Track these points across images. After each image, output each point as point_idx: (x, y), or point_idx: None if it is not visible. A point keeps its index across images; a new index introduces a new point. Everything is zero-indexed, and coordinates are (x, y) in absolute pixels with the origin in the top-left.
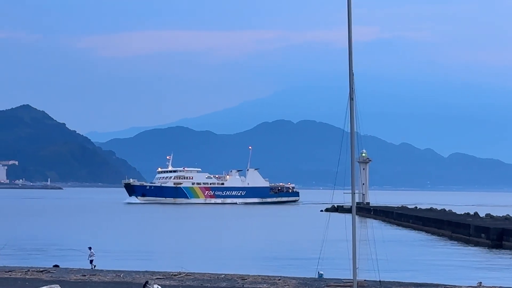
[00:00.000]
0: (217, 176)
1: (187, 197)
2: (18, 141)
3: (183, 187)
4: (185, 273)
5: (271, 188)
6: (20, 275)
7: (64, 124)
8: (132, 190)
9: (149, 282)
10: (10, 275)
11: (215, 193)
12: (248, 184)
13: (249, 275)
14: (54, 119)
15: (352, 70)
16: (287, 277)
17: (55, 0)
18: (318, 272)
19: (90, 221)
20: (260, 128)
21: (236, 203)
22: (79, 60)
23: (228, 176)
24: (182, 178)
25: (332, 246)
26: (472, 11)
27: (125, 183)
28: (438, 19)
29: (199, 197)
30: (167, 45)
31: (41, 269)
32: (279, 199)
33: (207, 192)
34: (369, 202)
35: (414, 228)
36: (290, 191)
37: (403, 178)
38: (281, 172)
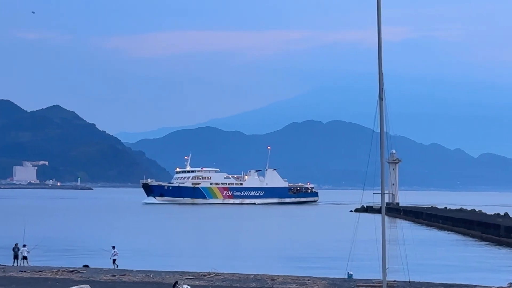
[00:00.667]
0: (235, 176)
1: (205, 197)
2: (48, 141)
3: (201, 187)
4: (214, 273)
5: (289, 189)
6: (51, 275)
7: (94, 124)
8: (150, 190)
9: (178, 282)
10: (41, 275)
11: (234, 193)
12: (266, 184)
13: (278, 275)
14: (84, 119)
15: (381, 70)
16: (316, 277)
17: (85, 1)
18: (348, 273)
19: (117, 221)
20: (290, 129)
21: (254, 204)
22: (109, 61)
23: (246, 176)
24: (200, 178)
25: (361, 247)
26: (502, 10)
27: (143, 183)
28: (467, 19)
29: (217, 197)
30: (197, 45)
31: (71, 269)
32: (297, 199)
33: (225, 192)
34: (398, 203)
35: (444, 229)
36: (309, 191)
37: (432, 179)
38: (310, 172)
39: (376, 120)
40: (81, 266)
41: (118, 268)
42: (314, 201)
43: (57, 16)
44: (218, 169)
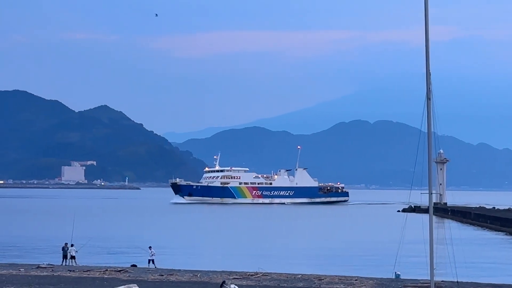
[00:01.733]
0: (265, 175)
1: (234, 197)
2: (96, 141)
3: (230, 186)
4: (262, 273)
5: (320, 188)
6: (98, 274)
7: (141, 124)
8: (178, 189)
9: (226, 282)
10: (89, 274)
11: (263, 193)
12: (296, 184)
13: (325, 275)
14: (132, 119)
15: (429, 70)
16: (363, 277)
17: (132, 1)
18: (395, 273)
19: (160, 220)
20: (337, 128)
21: (284, 203)
22: (156, 61)
23: (276, 176)
24: (229, 178)
25: (409, 247)
26: None
27: (171, 183)
28: None
29: (246, 197)
30: (244, 45)
31: (119, 269)
32: (328, 199)
33: (254, 192)
34: (446, 203)
35: (492, 229)
36: (340, 191)
37: (480, 178)
38: (357, 172)
39: (424, 120)
40: (129, 266)
41: (156, 267)
42: (345, 201)
43: (104, 17)
44: (247, 169)
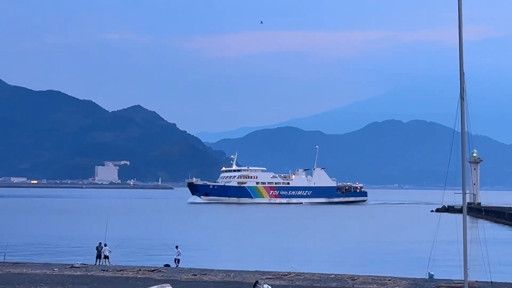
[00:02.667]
0: (282, 175)
1: (251, 197)
2: (129, 141)
3: (247, 186)
4: (295, 273)
5: (338, 188)
6: (132, 274)
7: (174, 124)
8: (195, 189)
9: (259, 282)
10: (122, 274)
11: (280, 192)
12: (314, 183)
13: (358, 275)
14: (165, 119)
15: (462, 70)
16: (397, 277)
17: (165, 2)
18: (429, 273)
19: (191, 220)
20: (370, 128)
21: (301, 203)
22: (189, 61)
23: (293, 176)
24: (246, 178)
25: (443, 247)
26: None
27: (188, 183)
28: None
29: (263, 197)
30: (277, 45)
31: (153, 268)
32: (346, 199)
33: (271, 191)
34: (480, 203)
35: None
36: (358, 190)
37: None
38: (390, 172)
39: (457, 119)
40: (162, 265)
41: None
42: (363, 200)
43: (138, 17)
44: (264, 168)
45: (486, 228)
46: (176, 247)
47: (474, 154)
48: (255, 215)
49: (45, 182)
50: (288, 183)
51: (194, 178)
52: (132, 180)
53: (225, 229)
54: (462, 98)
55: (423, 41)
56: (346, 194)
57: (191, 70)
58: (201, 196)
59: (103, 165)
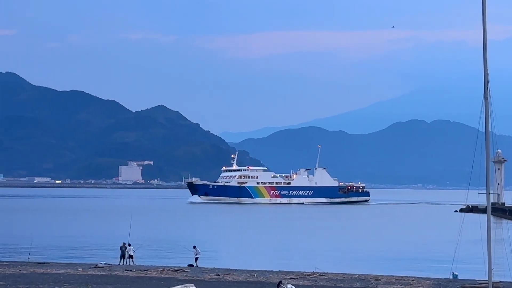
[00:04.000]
0: (283, 175)
1: (252, 197)
2: (153, 141)
3: (247, 186)
4: (318, 273)
5: (340, 188)
6: (156, 274)
7: (198, 124)
8: (194, 189)
9: (282, 282)
10: (146, 274)
11: (281, 192)
12: (315, 183)
13: (382, 275)
14: (188, 119)
15: (486, 70)
16: (421, 277)
17: (189, 2)
18: (453, 273)
19: (209, 220)
20: (393, 128)
21: (303, 203)
22: (213, 61)
23: (294, 175)
24: (246, 177)
25: (466, 247)
26: None
27: (187, 182)
28: None
29: (264, 197)
30: (300, 45)
31: (176, 268)
32: (348, 199)
33: (272, 191)
34: (504, 203)
35: None
36: (360, 190)
37: None
38: (414, 172)
39: (481, 119)
40: (186, 265)
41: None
42: (366, 200)
43: (162, 17)
44: (265, 168)
45: (511, 229)
46: (194, 247)
47: (499, 154)
48: (265, 215)
49: (69, 182)
50: (289, 183)
51: (193, 178)
52: (156, 180)
53: (240, 229)
54: (486, 98)
55: (447, 41)
56: (348, 194)
57: (215, 70)
58: (200, 196)
59: (126, 165)
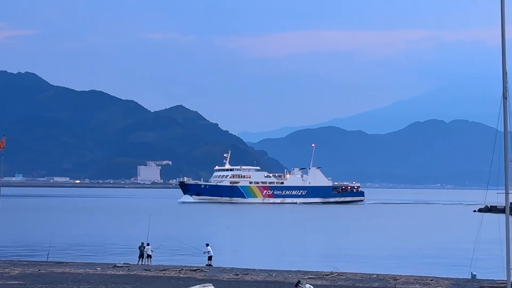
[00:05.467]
0: (276, 174)
1: (244, 197)
2: (171, 141)
3: (240, 186)
4: (336, 273)
5: (334, 188)
6: (174, 273)
7: (216, 124)
8: (186, 189)
9: (301, 282)
10: (164, 273)
11: (274, 192)
12: (309, 183)
13: (401, 275)
14: (207, 119)
15: (505, 69)
16: (439, 277)
17: (208, 2)
18: (471, 273)
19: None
20: (412, 128)
21: (296, 203)
22: (232, 61)
23: (288, 175)
24: (239, 177)
25: (485, 247)
26: None
27: (179, 182)
28: None
29: (256, 197)
30: (318, 44)
31: (194, 268)
32: (342, 199)
33: (265, 191)
34: None
35: None
36: (355, 190)
37: None
38: (433, 172)
39: (500, 119)
40: (204, 265)
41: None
42: (360, 200)
43: (181, 17)
44: (258, 168)
45: None
46: (207, 244)
47: None
48: (272, 215)
49: (88, 182)
50: (282, 183)
51: (185, 178)
52: (174, 180)
53: (251, 229)
54: (504, 97)
55: (466, 40)
56: (342, 194)
57: (234, 70)
58: (192, 196)
59: (145, 165)
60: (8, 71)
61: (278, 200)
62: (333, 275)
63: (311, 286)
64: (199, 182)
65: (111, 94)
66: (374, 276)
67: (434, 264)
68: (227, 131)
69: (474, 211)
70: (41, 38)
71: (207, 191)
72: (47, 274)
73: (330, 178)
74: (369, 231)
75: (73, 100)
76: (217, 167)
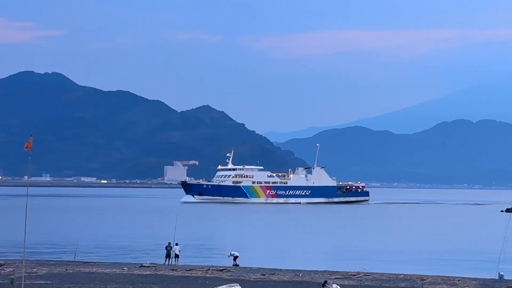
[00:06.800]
0: (280, 174)
1: (247, 197)
2: (198, 141)
3: (242, 186)
4: (363, 273)
5: (338, 188)
6: (201, 273)
7: (243, 124)
8: (188, 188)
9: (328, 282)
10: (191, 273)
11: (277, 192)
12: (313, 183)
13: (428, 275)
14: (234, 119)
15: None
16: (466, 277)
17: (235, 2)
18: (499, 273)
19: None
20: (439, 128)
21: (299, 203)
22: (258, 61)
23: (291, 175)
24: (241, 177)
25: None
26: None
27: (181, 182)
28: None
29: (259, 197)
30: (346, 45)
31: (221, 268)
32: (347, 198)
33: (268, 191)
34: None
35: None
36: (360, 190)
37: None
38: (460, 172)
39: None
40: (231, 265)
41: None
42: (365, 200)
43: (207, 17)
44: (262, 167)
45: None
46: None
47: None
48: (290, 215)
49: (115, 182)
50: (286, 183)
51: (187, 177)
52: (201, 179)
53: (272, 230)
54: None
55: (494, 40)
56: (347, 194)
57: (260, 70)
58: (194, 196)
59: (172, 165)
60: (35, 72)
61: (281, 200)
62: (360, 275)
63: (338, 286)
64: (201, 182)
65: (138, 94)
66: (401, 276)
67: (460, 264)
68: (254, 131)
69: (502, 211)
70: (68, 39)
71: (209, 191)
72: (74, 274)
73: (334, 178)
74: (389, 231)
75: (100, 100)
76: (220, 167)
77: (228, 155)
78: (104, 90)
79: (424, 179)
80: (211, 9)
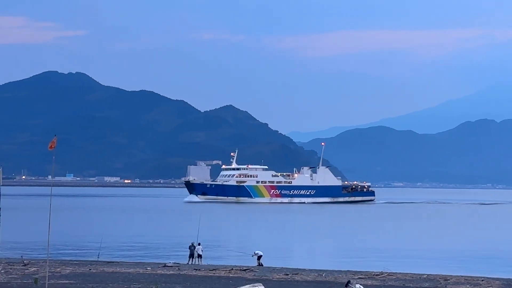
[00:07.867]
0: (284, 174)
1: (251, 196)
2: (221, 141)
3: (246, 185)
4: (387, 273)
5: (343, 187)
6: (224, 273)
7: (266, 124)
8: (192, 188)
9: (351, 282)
10: (214, 273)
11: (282, 192)
12: (318, 182)
13: (451, 275)
14: (257, 119)
15: None
16: (490, 277)
17: (258, 2)
18: None
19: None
20: (462, 128)
21: (304, 203)
22: (281, 61)
23: (296, 174)
24: (245, 176)
25: None
26: None
27: (185, 181)
28: None
29: (263, 196)
30: (369, 44)
31: (245, 268)
32: (352, 198)
33: (272, 191)
34: None
35: None
36: (365, 190)
37: None
38: (484, 172)
39: None
40: (255, 265)
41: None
42: (371, 200)
43: (230, 17)
44: (266, 167)
45: None
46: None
47: None
48: (305, 215)
49: (138, 182)
50: (290, 182)
51: (191, 177)
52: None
53: (291, 230)
54: None
55: None
56: (352, 193)
57: (283, 69)
58: (198, 195)
59: (195, 164)
60: (59, 72)
61: (285, 200)
62: (383, 275)
63: (361, 286)
64: (205, 182)
65: (161, 94)
66: (425, 276)
67: (483, 264)
68: (277, 131)
69: None
70: (92, 39)
71: (213, 191)
72: (98, 274)
73: (340, 177)
74: (402, 231)
75: (123, 100)
76: (224, 166)
77: (232, 154)
78: (127, 90)
79: (447, 179)
80: (234, 9)
